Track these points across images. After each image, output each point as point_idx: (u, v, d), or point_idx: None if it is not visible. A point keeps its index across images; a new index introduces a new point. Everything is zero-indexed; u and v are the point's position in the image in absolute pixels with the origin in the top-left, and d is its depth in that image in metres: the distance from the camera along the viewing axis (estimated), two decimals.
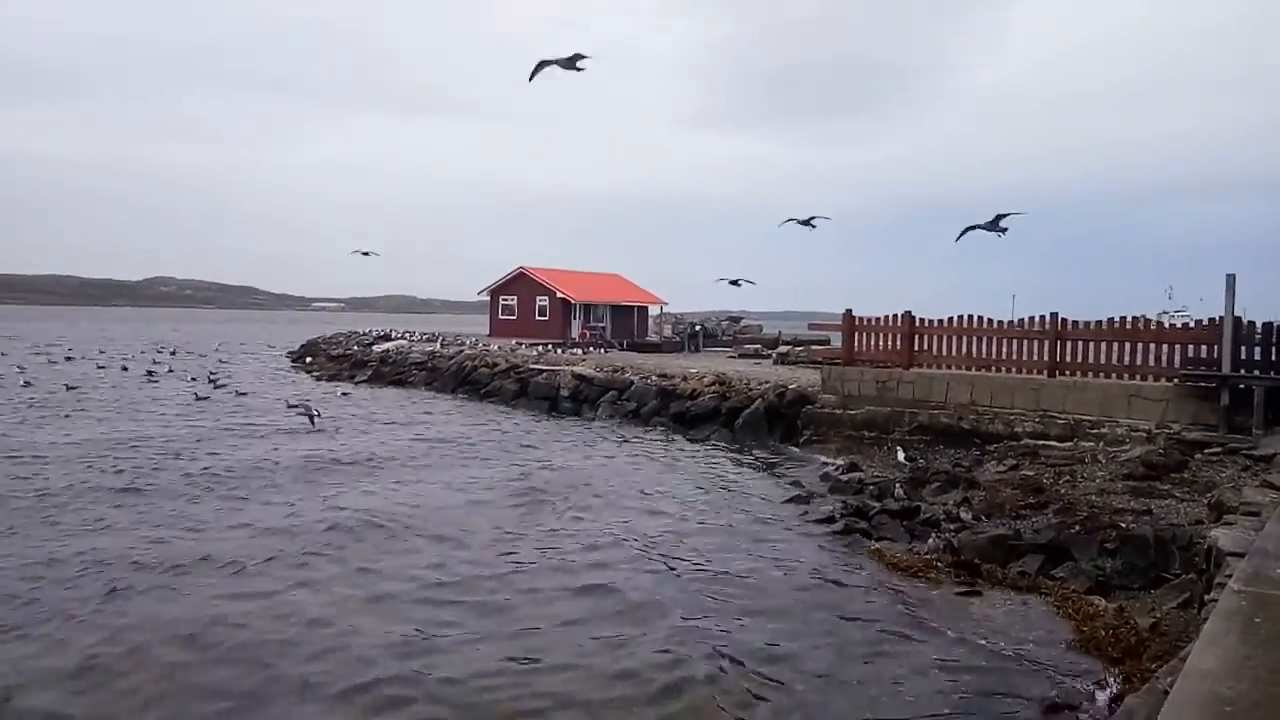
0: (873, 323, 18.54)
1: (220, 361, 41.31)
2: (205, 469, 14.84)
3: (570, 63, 13.29)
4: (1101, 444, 14.37)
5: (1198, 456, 13.00)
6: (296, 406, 21.29)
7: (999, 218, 15.16)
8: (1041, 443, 15.12)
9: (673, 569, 9.84)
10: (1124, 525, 9.93)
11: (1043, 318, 16.07)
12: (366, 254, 39.44)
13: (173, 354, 44.82)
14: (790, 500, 13.28)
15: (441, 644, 7.51)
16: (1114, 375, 15.30)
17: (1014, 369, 16.51)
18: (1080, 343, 15.74)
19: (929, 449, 16.37)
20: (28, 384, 27.36)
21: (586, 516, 12.30)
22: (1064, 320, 15.85)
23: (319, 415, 20.43)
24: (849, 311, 18.69)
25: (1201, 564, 7.97)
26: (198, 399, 25.11)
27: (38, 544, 10.03)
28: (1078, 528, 10.34)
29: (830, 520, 11.75)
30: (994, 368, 16.76)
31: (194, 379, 30.78)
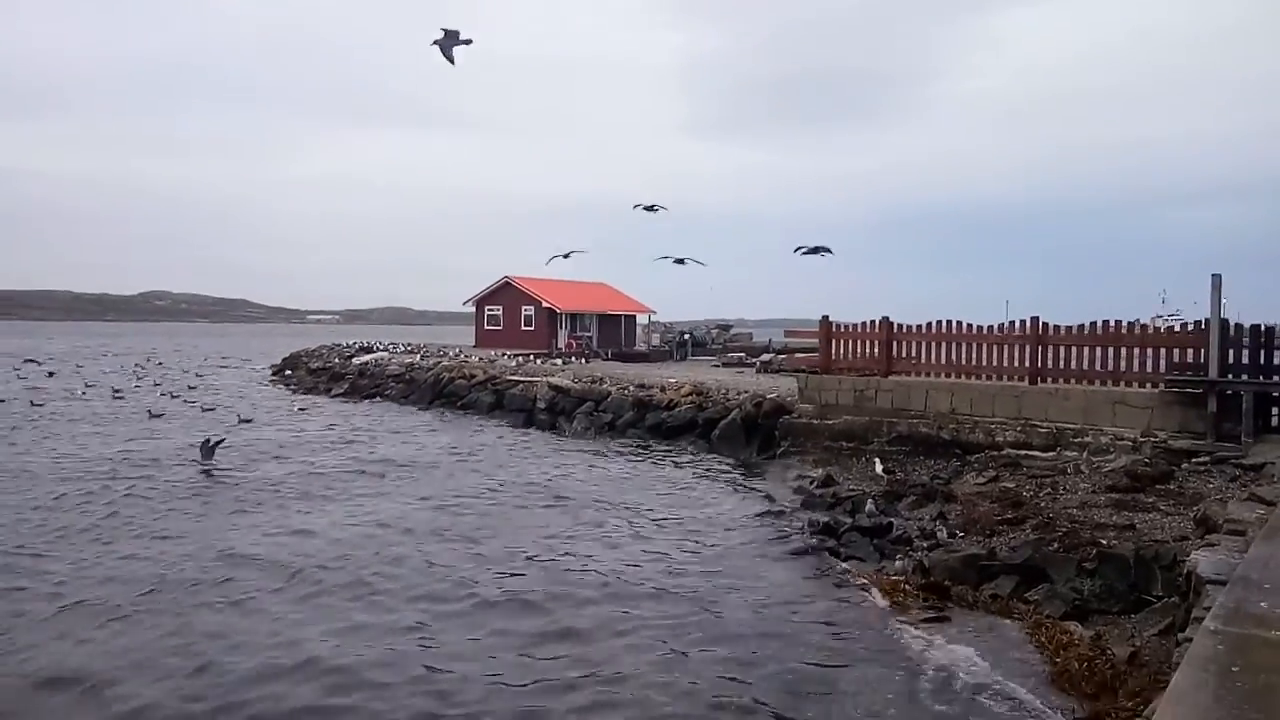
0: (850, 330, 17.95)
1: (197, 376, 40.55)
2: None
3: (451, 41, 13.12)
4: (1085, 453, 13.76)
5: (1184, 466, 12.38)
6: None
7: (681, 259, 20.39)
8: (1024, 453, 14.49)
9: (618, 591, 9.21)
10: (1104, 542, 9.32)
11: (1023, 322, 15.47)
12: (567, 256, 30.21)
13: (159, 365, 44.29)
14: (759, 515, 12.68)
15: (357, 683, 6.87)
16: (1097, 381, 14.68)
17: (994, 376, 15.91)
18: (1062, 348, 15.13)
19: (909, 460, 15.74)
20: None
21: (529, 534, 11.66)
22: (1045, 324, 15.25)
23: (215, 446, 17.03)
24: (825, 318, 18.09)
25: (1184, 586, 7.38)
26: (151, 416, 24.40)
27: None
28: (1056, 545, 9.72)
29: (796, 537, 11.13)
30: (974, 375, 16.16)
31: (167, 395, 30.00)
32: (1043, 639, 7.61)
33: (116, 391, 30.64)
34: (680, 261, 25.06)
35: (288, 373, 40.49)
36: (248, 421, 22.98)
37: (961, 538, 10.65)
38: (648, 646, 7.76)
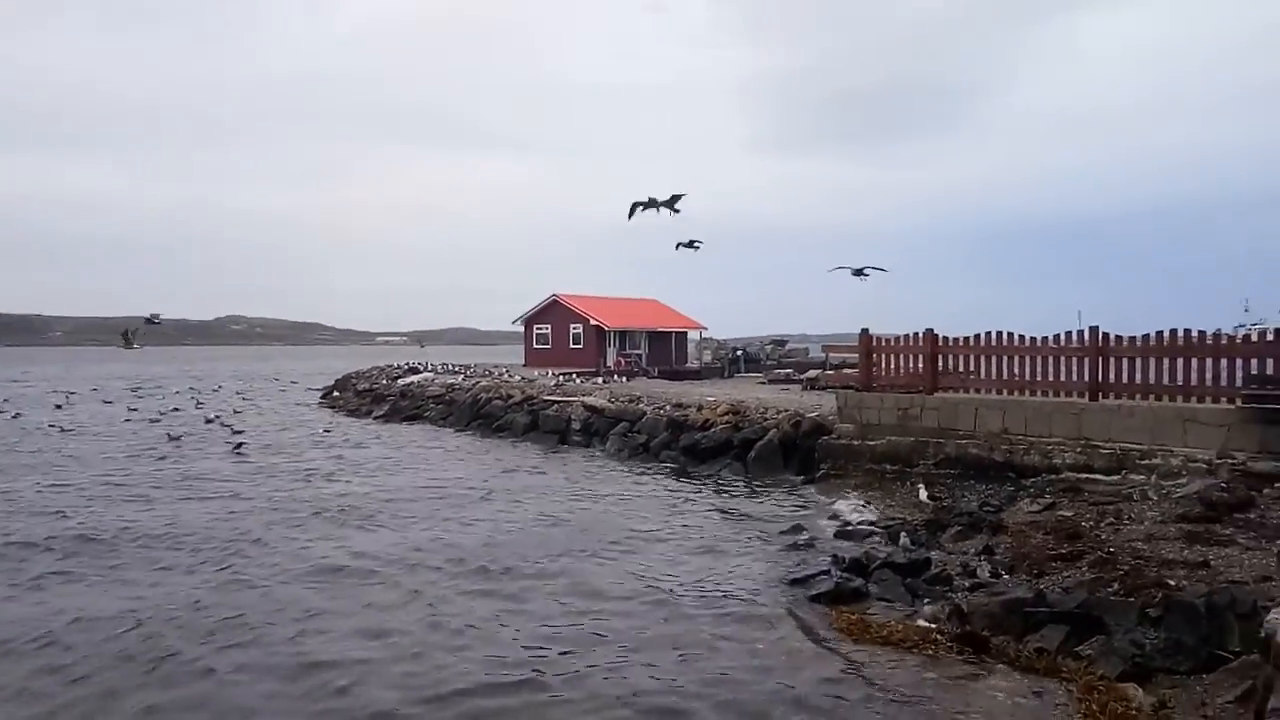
0: (891, 343, 16.76)
1: (244, 400, 40.84)
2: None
3: (670, 203, 13.79)
4: (1153, 477, 12.39)
5: (1266, 492, 10.97)
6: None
7: (864, 268, 17.44)
8: (1084, 476, 13.18)
9: (613, 639, 8.27)
10: (1172, 583, 8.10)
11: (1080, 332, 14.13)
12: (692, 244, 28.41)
13: (215, 390, 45.01)
14: (785, 549, 11.59)
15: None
16: (1165, 397, 13.27)
17: (1050, 391, 14.58)
18: (1126, 360, 13.76)
19: (958, 484, 14.50)
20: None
21: (527, 566, 10.78)
22: (1105, 335, 13.89)
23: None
24: (865, 331, 16.94)
25: (1264, 646, 6.17)
26: (170, 439, 24.27)
27: None
28: (1115, 586, 8.50)
29: (821, 577, 10.03)
30: (1028, 390, 14.85)
31: (211, 419, 29.96)
32: (1094, 707, 6.43)
33: (156, 418, 30.70)
34: (860, 273, 21.29)
35: (336, 394, 40.49)
36: (239, 446, 22.68)
37: (1008, 577, 9.47)
38: (630, 703, 6.81)
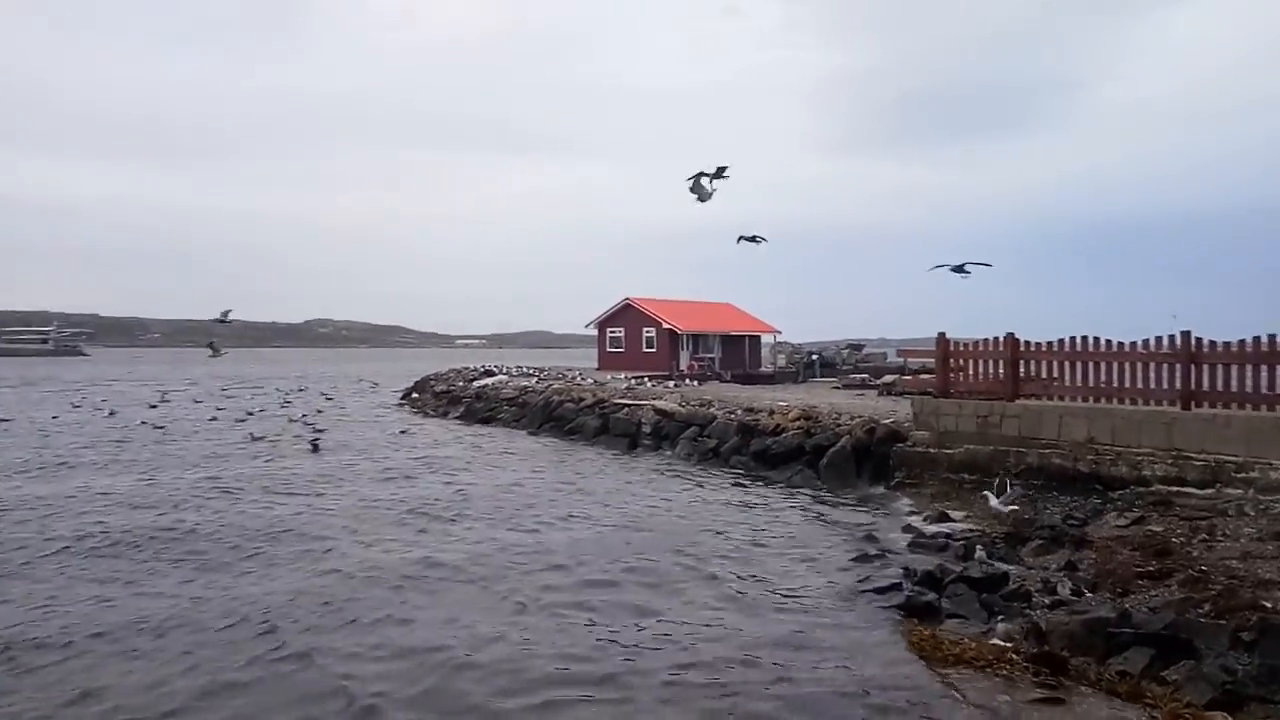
0: (971, 348, 16.26)
1: (327, 399, 42.04)
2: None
3: (718, 174, 14.82)
4: (1251, 491, 11.73)
5: None
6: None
7: (964, 264, 16.37)
8: (1175, 489, 12.56)
9: (680, 641, 8.22)
10: (1269, 605, 7.66)
11: (1171, 337, 13.46)
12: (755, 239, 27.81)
13: (301, 391, 46.56)
14: (856, 560, 11.32)
15: None
16: (1264, 406, 12.55)
17: (1140, 400, 13.93)
18: (1221, 366, 13.06)
19: (1040, 495, 13.97)
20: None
21: (603, 575, 10.77)
22: (1199, 340, 13.21)
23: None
24: (942, 335, 16.48)
25: None
26: (253, 439, 25.08)
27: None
28: (1206, 607, 8.08)
29: (892, 590, 9.76)
30: (1116, 398, 14.22)
31: (297, 418, 30.88)
32: None
33: (242, 417, 31.80)
34: (961, 269, 19.20)
35: (414, 396, 41.35)
36: (315, 448, 23.27)
37: (1090, 595, 9.06)
38: (694, 704, 6.73)
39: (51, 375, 67.18)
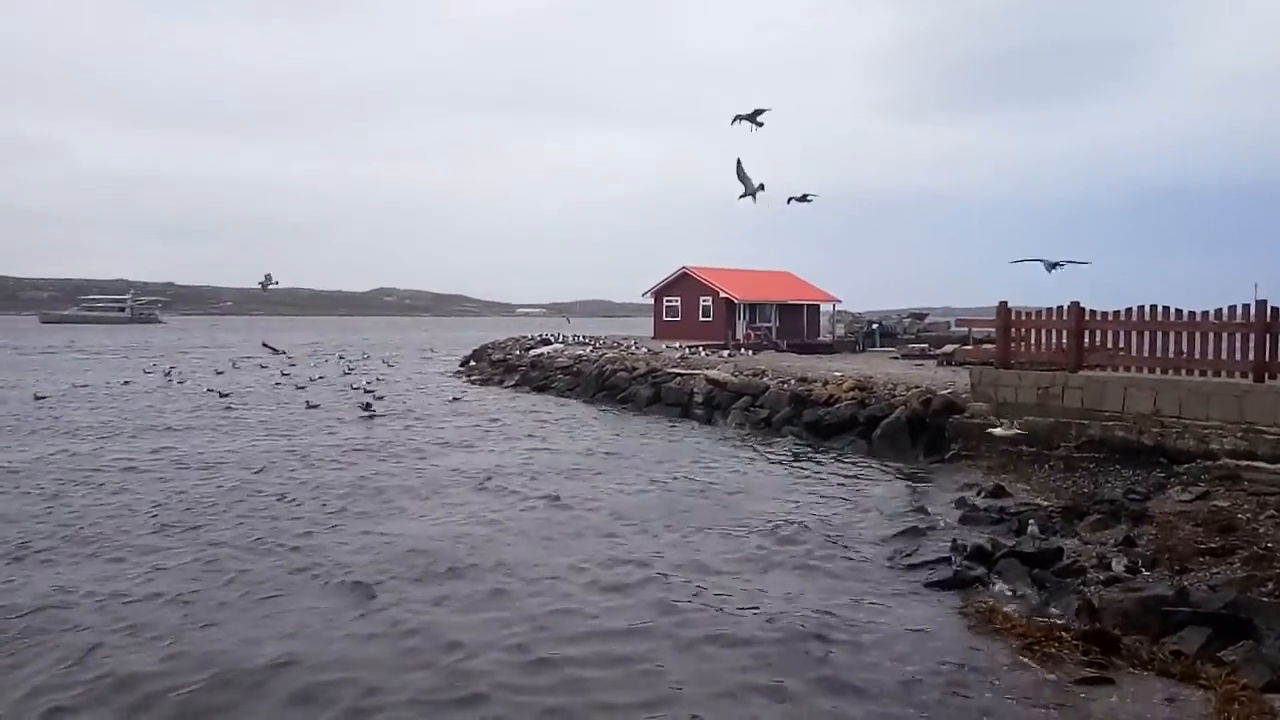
0: (1033, 317, 15.77)
1: (388, 366, 42.79)
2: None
3: (753, 116, 15.54)
4: None
5: None
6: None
7: (1059, 261, 16.47)
8: (1245, 463, 12.04)
9: (727, 609, 8.22)
10: None
11: (1246, 307, 12.85)
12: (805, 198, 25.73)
13: (365, 359, 47.65)
14: (904, 533, 11.12)
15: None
16: None
17: (1210, 371, 13.36)
18: None
19: (1101, 469, 13.57)
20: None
21: (654, 544, 10.78)
22: (1275, 309, 12.59)
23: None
24: (1003, 304, 15.99)
25: None
26: (309, 407, 25.58)
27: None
28: (1269, 586, 7.77)
29: (941, 563, 9.58)
30: (1184, 370, 13.67)
31: (357, 386, 31.54)
32: (1234, 719, 5.86)
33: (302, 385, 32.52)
34: (1055, 267, 18.02)
35: (472, 364, 41.86)
36: (368, 414, 23.76)
37: (1147, 573, 8.77)
38: (728, 693, 6.69)
39: (136, 342, 69.97)
